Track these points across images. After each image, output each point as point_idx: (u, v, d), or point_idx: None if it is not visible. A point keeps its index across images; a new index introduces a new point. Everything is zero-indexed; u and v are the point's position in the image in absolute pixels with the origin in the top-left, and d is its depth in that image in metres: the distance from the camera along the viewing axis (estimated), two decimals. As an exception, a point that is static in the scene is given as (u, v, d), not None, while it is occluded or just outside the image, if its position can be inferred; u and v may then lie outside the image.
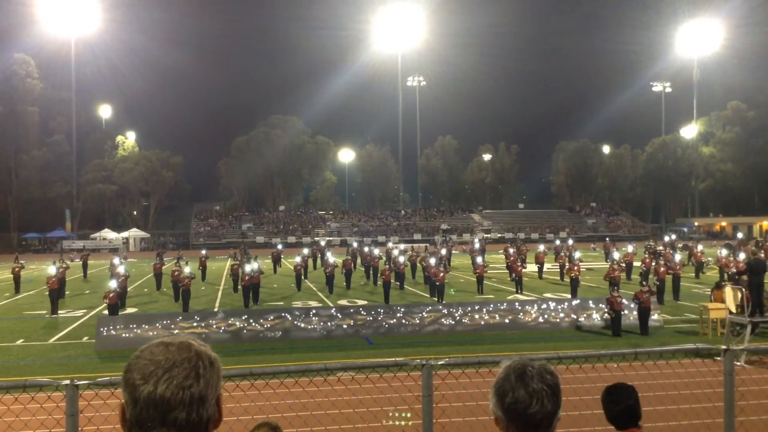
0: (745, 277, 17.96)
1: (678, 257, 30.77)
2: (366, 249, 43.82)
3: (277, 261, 43.45)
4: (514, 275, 31.47)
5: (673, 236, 58.85)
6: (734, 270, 24.21)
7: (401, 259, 34.05)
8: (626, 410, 3.65)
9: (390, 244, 53.58)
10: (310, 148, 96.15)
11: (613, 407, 3.68)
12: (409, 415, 4.40)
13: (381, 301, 26.17)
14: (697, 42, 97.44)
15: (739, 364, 13.53)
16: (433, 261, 27.83)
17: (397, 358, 12.28)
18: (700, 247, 39.45)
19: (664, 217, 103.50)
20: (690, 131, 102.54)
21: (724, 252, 35.75)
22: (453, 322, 20.00)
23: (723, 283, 21.30)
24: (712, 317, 18.89)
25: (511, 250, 39.09)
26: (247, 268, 26.87)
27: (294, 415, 8.97)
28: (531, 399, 1.87)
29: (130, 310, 25.15)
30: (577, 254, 37.34)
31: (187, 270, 27.17)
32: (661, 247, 42.73)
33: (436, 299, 26.29)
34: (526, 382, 1.89)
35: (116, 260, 36.52)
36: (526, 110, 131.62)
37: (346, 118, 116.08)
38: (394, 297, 27.57)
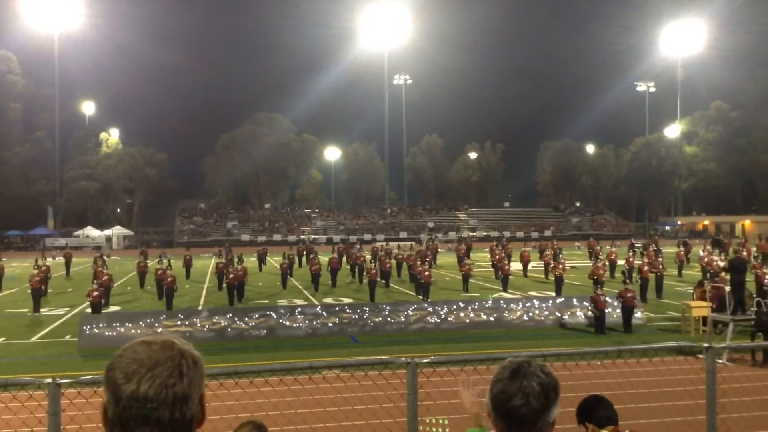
0: (725, 275, 18.14)
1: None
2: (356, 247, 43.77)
3: (262, 259, 43.46)
4: (500, 274, 31.59)
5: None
6: (718, 267, 24.40)
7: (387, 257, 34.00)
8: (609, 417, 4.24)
9: (378, 244, 53.52)
10: (296, 146, 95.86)
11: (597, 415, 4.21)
12: (446, 421, 4.36)
13: (367, 299, 26.16)
14: (681, 42, 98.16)
15: (721, 361, 13.66)
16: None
17: (383, 357, 12.31)
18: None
19: (648, 216, 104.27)
20: (673, 131, 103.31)
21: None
22: (438, 320, 20.05)
23: (705, 282, 21.51)
24: (695, 315, 19.06)
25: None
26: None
27: (279, 413, 8.95)
28: (516, 393, 1.91)
29: (113, 309, 24.96)
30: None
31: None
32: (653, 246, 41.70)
33: (421, 297, 26.33)
34: (517, 378, 1.93)
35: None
36: (512, 109, 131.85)
37: (333, 116, 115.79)
38: (380, 295, 27.56)
